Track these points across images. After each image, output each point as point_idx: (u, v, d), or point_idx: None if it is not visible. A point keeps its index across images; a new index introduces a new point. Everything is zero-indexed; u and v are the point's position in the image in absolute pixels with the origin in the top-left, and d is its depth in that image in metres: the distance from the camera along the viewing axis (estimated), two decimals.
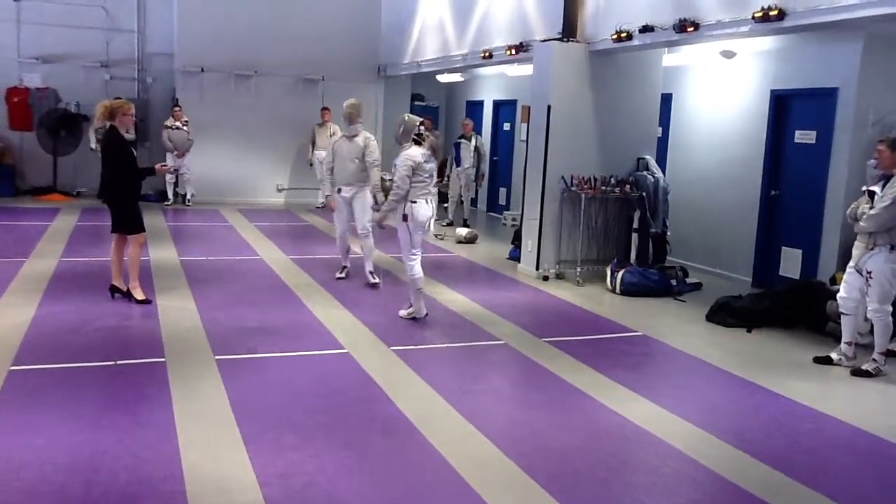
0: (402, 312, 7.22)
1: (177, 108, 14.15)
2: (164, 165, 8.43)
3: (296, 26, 14.98)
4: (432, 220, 7.28)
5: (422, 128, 7.22)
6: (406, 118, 7.22)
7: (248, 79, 15.00)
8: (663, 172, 9.85)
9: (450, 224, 13.08)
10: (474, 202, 13.37)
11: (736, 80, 9.65)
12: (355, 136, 8.41)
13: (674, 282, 8.89)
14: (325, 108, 14.46)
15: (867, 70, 8.01)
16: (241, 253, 10.17)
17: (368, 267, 8.55)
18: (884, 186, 5.93)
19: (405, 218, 6.95)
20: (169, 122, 14.05)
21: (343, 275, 8.83)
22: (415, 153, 6.98)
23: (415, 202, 6.95)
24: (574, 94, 9.27)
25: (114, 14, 14.96)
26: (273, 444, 4.32)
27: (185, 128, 14.05)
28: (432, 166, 7.22)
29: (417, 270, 7.03)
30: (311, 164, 14.31)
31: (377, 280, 8.50)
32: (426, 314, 7.15)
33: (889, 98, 8.05)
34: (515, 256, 10.19)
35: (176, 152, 13.91)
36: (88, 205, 13.26)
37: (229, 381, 5.29)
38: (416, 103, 17.09)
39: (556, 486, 4.00)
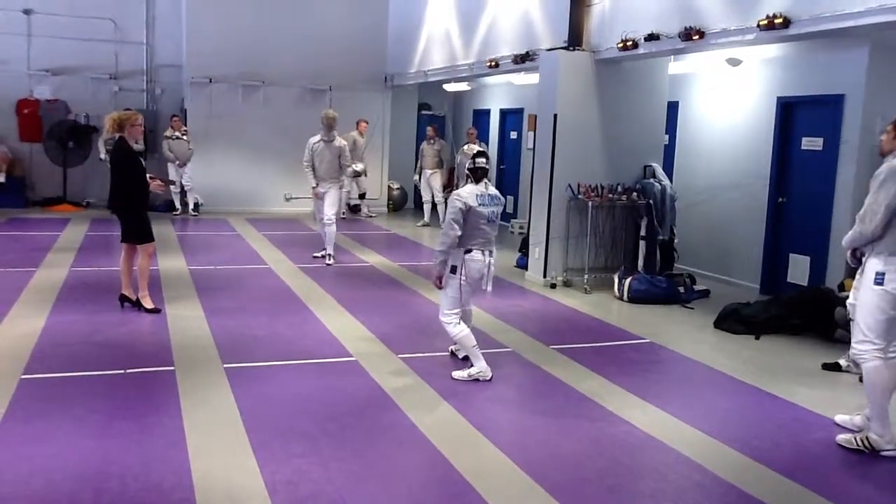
0: (461, 374, 5.76)
1: (176, 118, 14.26)
2: (154, 179, 7.46)
3: (303, 37, 15.08)
4: (491, 277, 5.83)
5: (480, 160, 5.71)
6: (463, 149, 5.76)
7: (256, 89, 15.10)
8: (670, 180, 9.86)
9: None
10: None
11: (742, 88, 9.66)
12: (332, 140, 9.95)
13: (681, 289, 8.88)
14: (362, 120, 14.69)
15: (873, 77, 8.01)
16: (250, 262, 10.21)
17: (329, 250, 10.15)
18: None
19: (454, 270, 5.67)
20: (168, 133, 14.15)
21: (320, 254, 10.34)
22: (466, 192, 5.62)
23: (469, 252, 5.64)
24: (580, 103, 9.29)
25: (123, 26, 15.10)
26: (282, 452, 4.34)
27: (184, 137, 14.14)
28: (494, 210, 5.67)
29: (462, 328, 5.76)
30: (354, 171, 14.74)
31: (331, 262, 10.06)
32: (491, 376, 5.75)
33: (895, 105, 8.04)
34: (523, 264, 10.20)
35: (178, 162, 13.99)
36: (98, 215, 13.35)
37: (238, 389, 5.32)
38: (423, 112, 17.15)
39: (564, 494, 4.00)
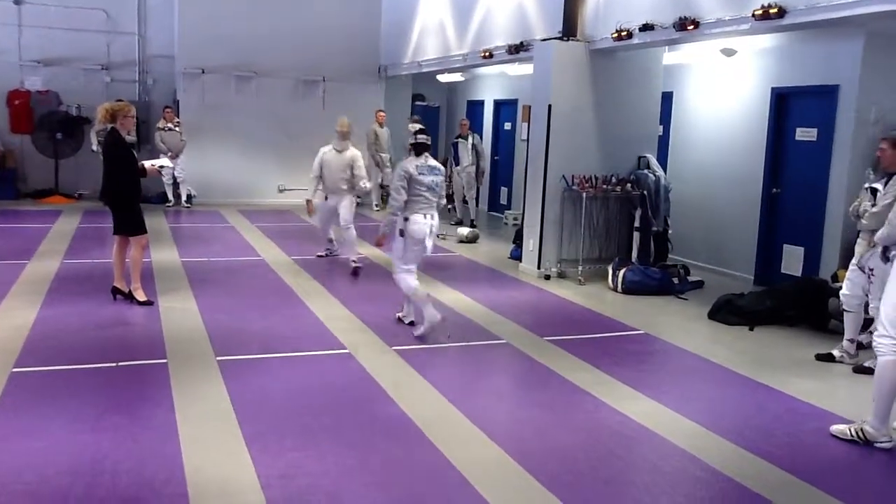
0: (421, 329, 6.55)
1: (168, 110, 14.19)
2: (154, 165, 7.65)
3: (296, 28, 15.00)
4: (432, 237, 6.67)
5: (421, 136, 6.66)
6: (409, 128, 6.88)
7: (249, 80, 15.02)
8: (664, 171, 9.84)
9: (459, 223, 13.15)
10: (476, 201, 13.44)
11: (737, 78, 9.64)
12: (344, 150, 9.26)
13: (676, 280, 8.89)
14: (379, 111, 14.68)
15: (868, 68, 8.00)
16: (243, 254, 10.18)
17: (352, 256, 9.35)
18: (886, 184, 5.92)
19: (401, 233, 6.57)
20: (161, 124, 14.08)
21: (324, 254, 10.07)
22: (408, 164, 6.53)
23: (408, 218, 6.51)
24: (575, 94, 9.26)
25: (114, 17, 15.00)
26: (275, 446, 4.32)
27: (177, 129, 14.08)
28: (433, 179, 6.57)
29: (412, 282, 6.62)
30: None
31: (359, 265, 9.30)
32: (440, 317, 6.49)
33: (890, 96, 8.04)
34: (517, 256, 10.19)
35: (170, 153, 13.90)
36: (90, 207, 13.27)
37: (231, 382, 5.30)
38: (417, 103, 17.12)
39: (559, 485, 3.99)
